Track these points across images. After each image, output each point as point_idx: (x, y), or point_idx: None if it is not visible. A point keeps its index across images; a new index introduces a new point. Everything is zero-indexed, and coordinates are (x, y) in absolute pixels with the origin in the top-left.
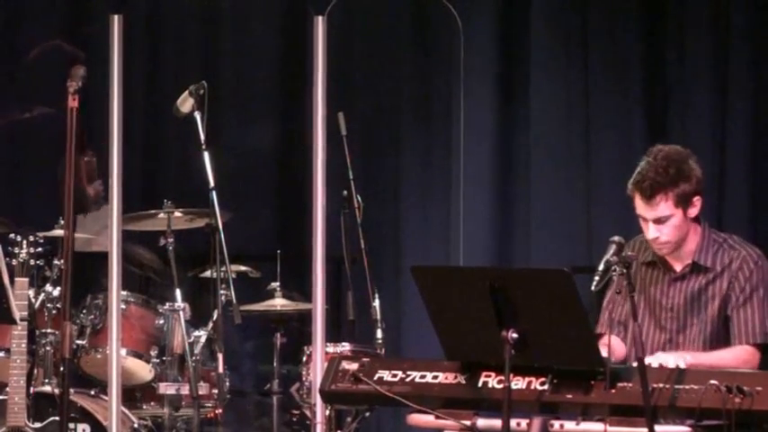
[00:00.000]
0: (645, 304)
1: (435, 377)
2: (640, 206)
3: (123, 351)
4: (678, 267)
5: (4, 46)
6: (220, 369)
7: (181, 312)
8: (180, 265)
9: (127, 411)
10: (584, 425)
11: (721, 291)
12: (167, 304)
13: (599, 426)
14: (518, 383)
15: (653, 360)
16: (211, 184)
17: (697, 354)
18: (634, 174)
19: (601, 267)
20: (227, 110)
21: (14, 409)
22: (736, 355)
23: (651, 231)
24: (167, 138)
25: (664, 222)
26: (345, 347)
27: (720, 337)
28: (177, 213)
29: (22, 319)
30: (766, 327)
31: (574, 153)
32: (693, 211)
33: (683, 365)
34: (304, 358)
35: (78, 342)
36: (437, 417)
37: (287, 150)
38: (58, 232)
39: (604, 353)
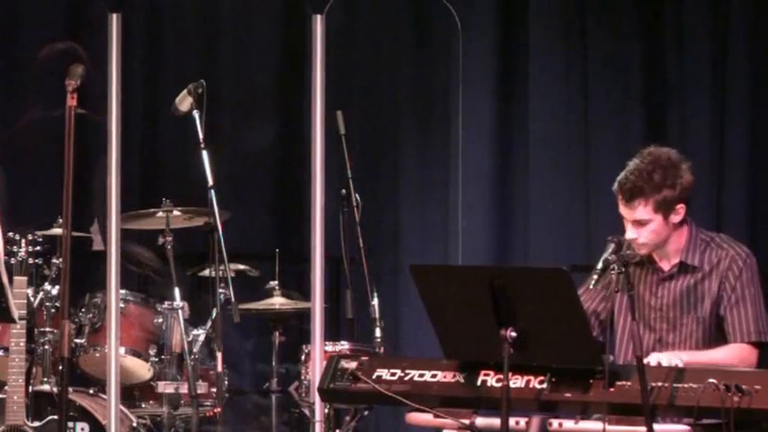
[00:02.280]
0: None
1: (434, 376)
2: (621, 206)
3: (122, 350)
4: (666, 267)
5: (4, 45)
6: (219, 368)
7: (180, 311)
8: (179, 263)
9: (126, 410)
10: (583, 424)
11: (711, 291)
12: (166, 303)
13: (598, 425)
14: (517, 382)
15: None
16: (210, 182)
17: (693, 353)
18: (622, 172)
19: (599, 266)
20: (226, 109)
21: (13, 408)
22: (734, 354)
23: (629, 232)
24: (166, 136)
25: (642, 226)
26: (344, 346)
27: (713, 337)
28: (176, 212)
29: (20, 318)
30: (760, 325)
31: (572, 152)
32: (676, 218)
33: (679, 365)
34: (303, 357)
35: (77, 341)
36: (436, 415)
37: (286, 149)
38: (57, 231)
39: None
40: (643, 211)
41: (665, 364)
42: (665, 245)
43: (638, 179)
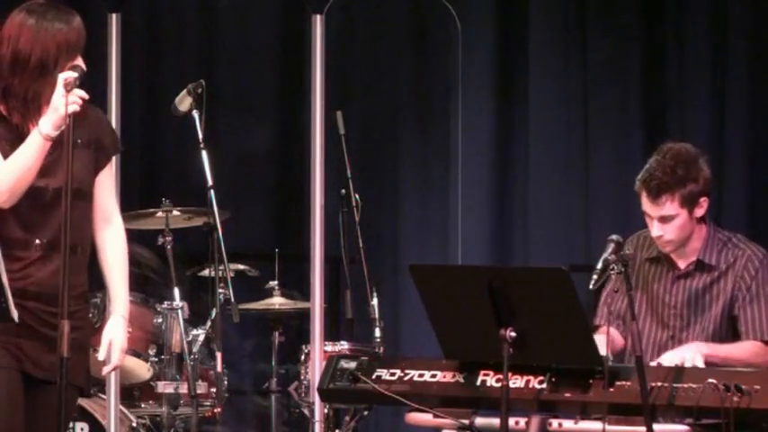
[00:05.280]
0: (646, 301)
1: (434, 376)
2: (646, 204)
3: None
4: (683, 265)
5: None
6: (219, 368)
7: (179, 311)
8: (178, 263)
9: (125, 410)
10: (583, 424)
11: (726, 290)
12: (166, 303)
13: (597, 425)
14: (516, 382)
15: (666, 358)
16: (209, 182)
17: (712, 345)
18: (642, 171)
19: (599, 266)
20: (226, 109)
21: None
22: (749, 349)
23: (655, 230)
24: (165, 137)
25: (668, 222)
26: (344, 346)
27: (723, 336)
28: (175, 212)
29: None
30: None
31: (572, 152)
32: (699, 212)
33: (699, 360)
34: (302, 357)
35: None
36: (435, 415)
37: (285, 149)
38: None
39: (602, 342)
40: (670, 206)
41: (688, 360)
42: (687, 242)
43: (663, 175)
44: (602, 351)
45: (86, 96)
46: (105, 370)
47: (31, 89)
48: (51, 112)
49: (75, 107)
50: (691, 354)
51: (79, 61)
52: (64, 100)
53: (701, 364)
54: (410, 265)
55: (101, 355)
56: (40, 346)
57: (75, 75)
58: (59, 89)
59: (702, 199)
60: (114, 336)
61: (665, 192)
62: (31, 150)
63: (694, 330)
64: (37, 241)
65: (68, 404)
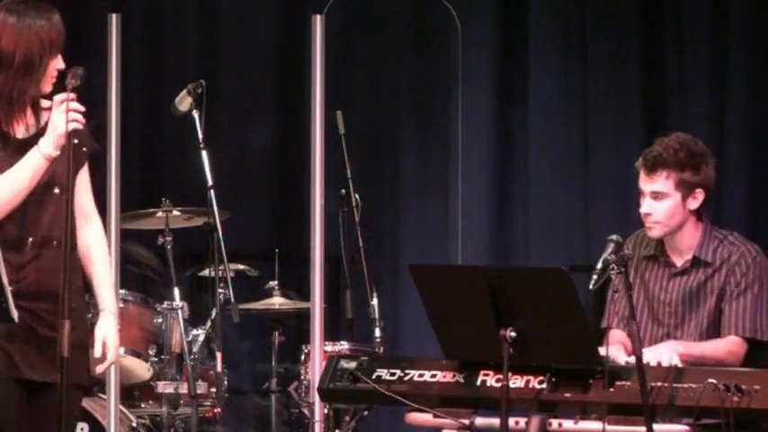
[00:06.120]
0: (643, 298)
1: (434, 376)
2: (642, 178)
3: (121, 350)
4: (679, 262)
5: None
6: (219, 368)
7: (179, 311)
8: (178, 263)
9: (125, 410)
10: (583, 424)
11: (719, 284)
12: (165, 303)
13: (597, 425)
14: (516, 382)
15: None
16: (209, 182)
17: (687, 343)
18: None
19: (599, 266)
20: (226, 108)
21: None
22: (723, 347)
23: (645, 206)
24: (165, 137)
25: (659, 200)
26: (344, 346)
27: (717, 332)
28: (175, 212)
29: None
30: (756, 322)
31: (572, 152)
32: (693, 204)
33: (676, 359)
34: (302, 357)
35: None
36: (435, 415)
37: (285, 149)
38: None
39: (619, 349)
40: (664, 183)
41: (664, 360)
42: (676, 233)
43: (663, 151)
44: (621, 360)
45: (83, 109)
46: (101, 368)
47: (15, 88)
48: (51, 132)
49: (75, 125)
50: (667, 353)
51: (60, 60)
52: (63, 117)
53: (677, 364)
54: (410, 265)
55: (97, 352)
56: (40, 347)
57: (75, 82)
58: (58, 107)
59: (699, 191)
60: (107, 333)
61: (662, 166)
62: (30, 169)
63: (688, 328)
64: (30, 239)
65: (73, 404)
